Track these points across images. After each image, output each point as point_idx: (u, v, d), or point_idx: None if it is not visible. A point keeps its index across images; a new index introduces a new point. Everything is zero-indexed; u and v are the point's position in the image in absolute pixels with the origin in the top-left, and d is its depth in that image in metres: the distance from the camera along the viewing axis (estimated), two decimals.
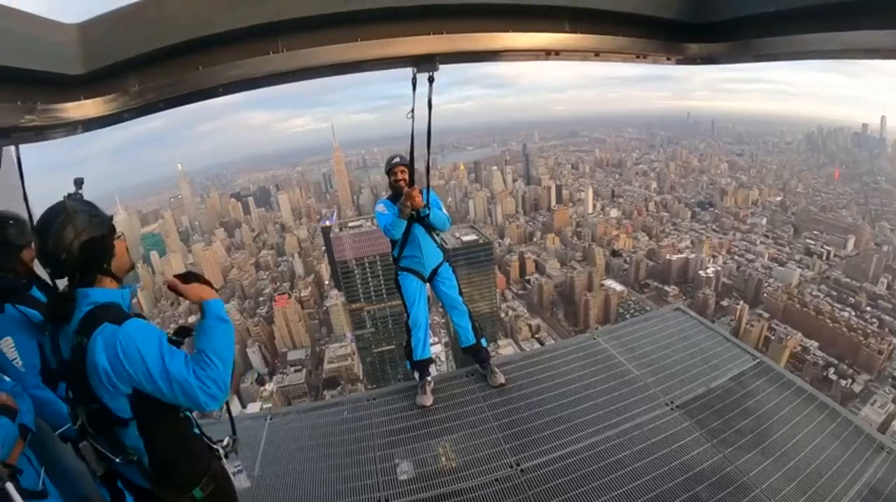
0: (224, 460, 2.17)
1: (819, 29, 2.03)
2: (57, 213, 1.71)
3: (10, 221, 2.46)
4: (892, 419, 59.90)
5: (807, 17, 2.05)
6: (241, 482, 2.26)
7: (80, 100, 1.95)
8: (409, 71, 2.65)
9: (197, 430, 2.07)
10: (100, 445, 1.80)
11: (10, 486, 1.47)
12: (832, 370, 72.45)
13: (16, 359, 2.38)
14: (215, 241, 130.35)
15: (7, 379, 2.25)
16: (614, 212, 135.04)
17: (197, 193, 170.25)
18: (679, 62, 2.84)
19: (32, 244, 2.55)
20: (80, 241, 1.70)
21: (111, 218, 1.86)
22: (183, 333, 1.90)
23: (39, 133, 1.99)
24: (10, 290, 2.45)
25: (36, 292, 2.63)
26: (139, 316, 1.80)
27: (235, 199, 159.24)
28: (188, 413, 2.00)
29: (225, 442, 2.21)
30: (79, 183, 1.88)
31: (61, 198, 1.77)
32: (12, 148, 2.16)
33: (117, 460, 1.81)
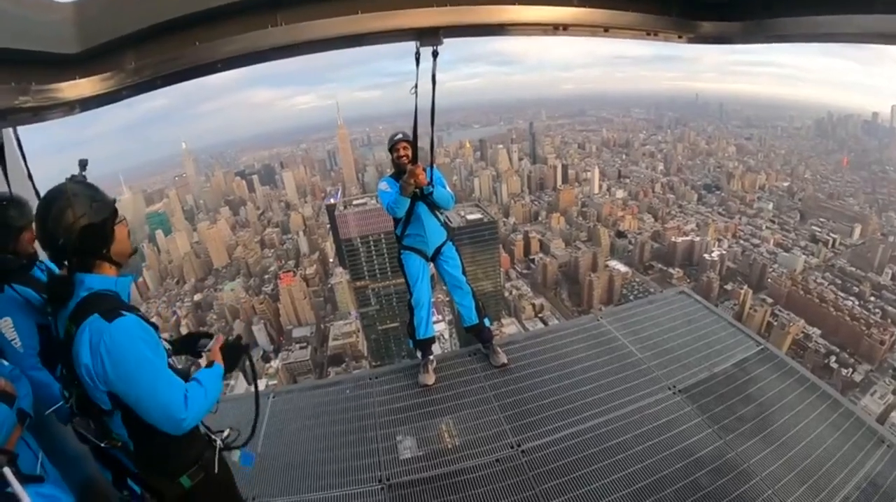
0: (221, 449, 2.17)
1: (834, 11, 1.96)
2: (57, 197, 1.69)
3: (9, 202, 2.44)
4: (891, 410, 60.00)
5: None
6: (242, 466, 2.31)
7: (75, 79, 1.92)
8: (414, 46, 2.58)
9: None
10: (86, 428, 1.83)
11: (7, 471, 1.47)
12: (833, 358, 72.45)
13: (14, 339, 2.38)
14: (220, 220, 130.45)
15: (6, 363, 2.26)
16: (620, 193, 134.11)
17: (201, 172, 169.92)
18: (690, 41, 2.75)
19: (33, 226, 2.54)
20: (79, 226, 1.68)
21: (114, 201, 1.84)
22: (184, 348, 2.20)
23: (36, 114, 1.96)
24: (10, 271, 2.44)
25: (37, 273, 2.62)
26: (134, 309, 1.79)
27: (240, 178, 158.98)
28: None
29: (226, 434, 2.23)
30: (83, 164, 1.86)
31: (63, 181, 1.75)
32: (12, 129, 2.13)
33: (102, 444, 1.83)
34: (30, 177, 2.33)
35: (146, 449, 1.85)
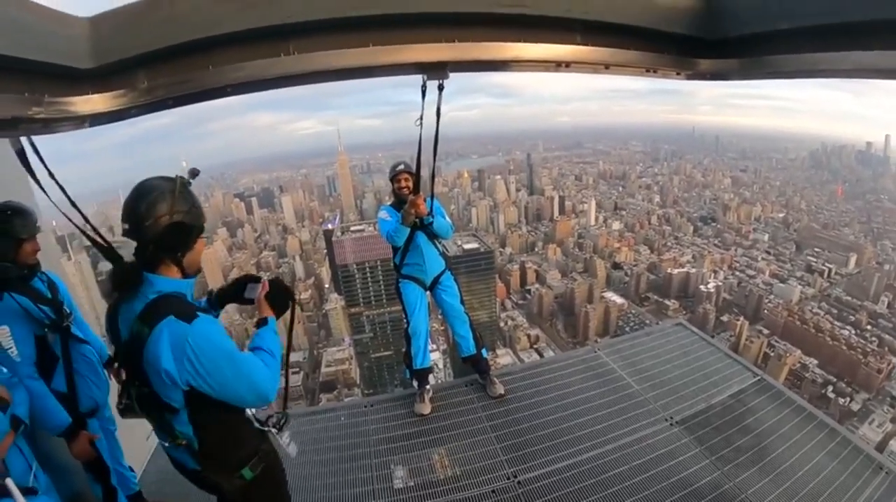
0: (275, 433, 2.23)
1: (831, 48, 2.01)
2: (162, 185, 1.71)
3: (14, 212, 2.47)
4: (889, 438, 59.47)
5: (818, 35, 2.03)
6: (291, 451, 2.37)
7: (88, 94, 1.93)
8: (416, 77, 2.64)
9: (246, 415, 2.12)
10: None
11: (9, 481, 1.45)
12: (830, 388, 72.06)
13: (11, 348, 2.39)
14: (217, 240, 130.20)
15: (4, 370, 2.25)
16: (616, 225, 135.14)
17: (200, 192, 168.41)
18: (689, 77, 2.83)
19: (36, 237, 2.55)
20: (169, 218, 1.69)
21: (204, 220, 1.87)
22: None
23: (47, 125, 1.96)
24: (10, 280, 2.46)
25: (38, 284, 2.63)
26: (204, 310, 1.79)
27: (239, 199, 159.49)
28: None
29: (274, 420, 2.25)
30: (194, 173, 1.85)
31: (176, 175, 1.77)
32: (24, 140, 2.14)
33: (165, 444, 1.88)
34: (60, 181, 2.29)
35: (210, 445, 1.88)
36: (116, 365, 1.85)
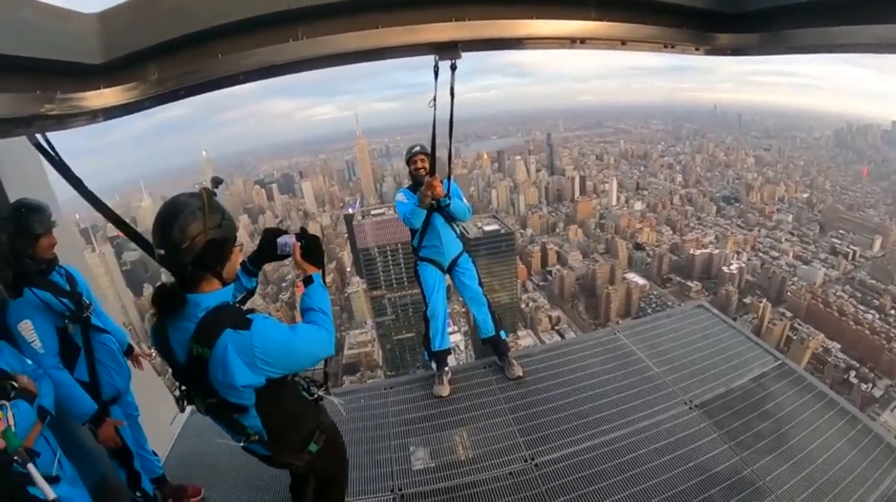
0: (327, 397, 2.39)
1: (851, 21, 1.93)
2: (190, 203, 1.69)
3: (29, 209, 2.51)
4: None
5: (839, 8, 1.96)
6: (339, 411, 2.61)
7: (99, 88, 1.95)
8: (431, 58, 2.61)
9: (303, 392, 2.27)
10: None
11: (31, 467, 1.50)
12: (853, 373, 70.40)
13: (35, 341, 2.46)
14: (239, 228, 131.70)
15: (29, 362, 2.32)
16: (638, 205, 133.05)
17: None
18: (708, 52, 2.73)
19: (52, 231, 2.61)
20: (204, 237, 1.68)
21: (237, 229, 1.88)
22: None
23: (61, 121, 1.99)
24: (30, 275, 2.52)
25: (56, 278, 2.70)
26: (250, 310, 1.84)
27: (259, 186, 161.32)
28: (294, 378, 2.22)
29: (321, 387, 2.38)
30: (217, 182, 1.87)
31: (199, 189, 1.75)
32: (39, 137, 2.18)
33: (241, 443, 1.98)
34: (75, 176, 2.32)
35: (277, 432, 2.01)
36: (177, 383, 1.91)
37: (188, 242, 1.65)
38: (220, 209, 1.76)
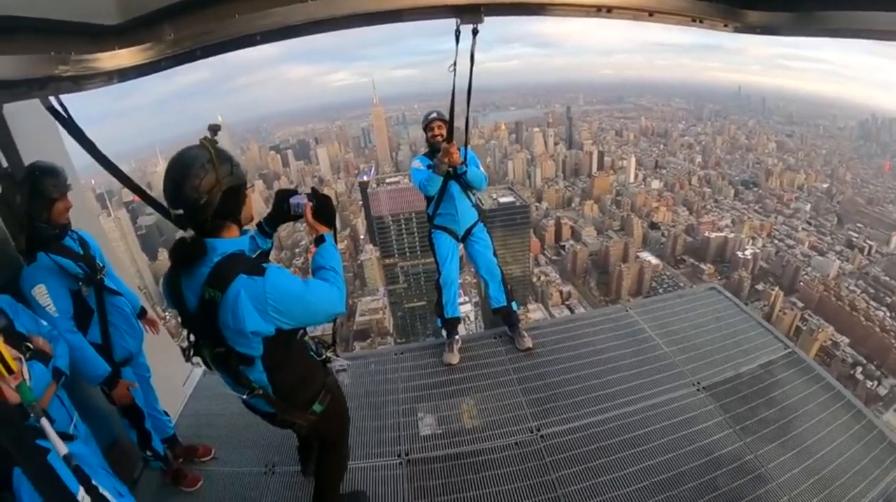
0: (334, 361, 2.45)
1: (893, 8, 1.82)
2: (198, 157, 1.67)
3: (43, 172, 2.50)
4: None
5: None
6: (343, 379, 2.60)
7: (114, 49, 1.91)
8: (451, 24, 2.53)
9: (312, 353, 2.32)
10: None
11: (45, 421, 1.53)
12: (859, 369, 69.47)
13: (49, 305, 2.48)
14: (253, 193, 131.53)
15: (44, 323, 2.35)
16: (656, 184, 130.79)
17: (236, 145, 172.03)
18: (737, 30, 2.60)
19: (67, 195, 2.61)
20: (221, 188, 1.69)
21: (246, 172, 1.88)
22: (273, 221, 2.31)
23: (76, 83, 1.96)
24: (44, 239, 2.53)
25: (69, 242, 2.71)
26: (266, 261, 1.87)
27: (275, 152, 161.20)
28: (304, 338, 2.29)
29: (329, 353, 2.44)
30: (215, 129, 1.82)
31: (200, 142, 1.73)
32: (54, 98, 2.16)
33: (244, 397, 2.00)
34: (88, 140, 2.32)
35: (283, 388, 2.04)
36: (186, 331, 1.93)
37: (206, 197, 1.66)
38: (228, 156, 1.76)
